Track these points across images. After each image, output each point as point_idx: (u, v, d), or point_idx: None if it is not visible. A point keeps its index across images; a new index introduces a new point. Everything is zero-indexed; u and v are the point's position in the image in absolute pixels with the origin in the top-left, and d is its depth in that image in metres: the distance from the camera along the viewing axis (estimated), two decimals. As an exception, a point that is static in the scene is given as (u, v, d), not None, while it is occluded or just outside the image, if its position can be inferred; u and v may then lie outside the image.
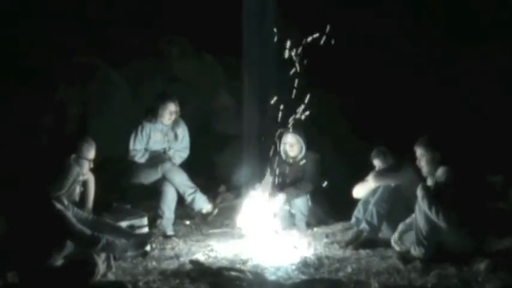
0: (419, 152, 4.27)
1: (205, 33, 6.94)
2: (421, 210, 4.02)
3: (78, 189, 3.83)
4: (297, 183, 5.34)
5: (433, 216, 3.93)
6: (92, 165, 4.45)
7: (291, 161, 5.46)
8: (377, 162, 4.91)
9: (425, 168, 4.23)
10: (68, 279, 3.55)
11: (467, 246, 3.97)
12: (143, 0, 7.14)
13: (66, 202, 3.77)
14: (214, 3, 6.81)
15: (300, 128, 5.42)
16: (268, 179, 5.10)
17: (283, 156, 5.47)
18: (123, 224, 4.37)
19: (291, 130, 5.38)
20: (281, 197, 5.21)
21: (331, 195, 5.46)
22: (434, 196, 3.99)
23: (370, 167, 4.94)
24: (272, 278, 3.87)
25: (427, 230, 3.99)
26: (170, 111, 5.40)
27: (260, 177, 5.25)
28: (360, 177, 4.92)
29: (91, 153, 4.44)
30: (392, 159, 4.86)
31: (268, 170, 5.13)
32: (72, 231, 3.62)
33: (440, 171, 4.10)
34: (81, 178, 3.88)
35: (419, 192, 4.05)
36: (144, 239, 4.16)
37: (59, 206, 3.63)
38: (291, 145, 5.40)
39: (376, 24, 6.77)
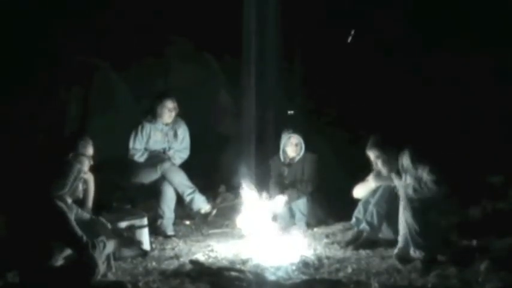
0: (373, 154, 4.20)
1: (205, 33, 6.94)
2: (408, 210, 4.01)
3: (80, 186, 3.84)
4: (296, 184, 5.35)
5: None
6: (91, 162, 4.45)
7: (287, 161, 5.47)
8: (379, 163, 4.87)
9: (384, 168, 4.17)
10: (68, 279, 3.54)
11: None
12: (143, 0, 7.14)
13: (69, 201, 3.77)
14: (214, 3, 6.81)
15: (299, 128, 5.44)
16: (251, 178, 5.08)
17: (282, 157, 5.48)
18: (123, 224, 4.37)
19: (292, 131, 5.40)
20: (283, 199, 5.23)
21: (331, 195, 5.47)
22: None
23: (371, 167, 4.93)
24: (272, 278, 3.87)
25: (420, 226, 3.98)
26: (169, 108, 5.41)
27: (258, 178, 5.26)
28: (360, 178, 4.91)
29: (88, 150, 4.45)
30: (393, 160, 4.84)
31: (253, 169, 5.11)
32: (70, 233, 3.61)
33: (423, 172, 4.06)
34: (82, 175, 3.88)
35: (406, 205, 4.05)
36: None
37: (61, 205, 3.63)
38: (296, 145, 5.40)
39: (373, 26, 6.79)
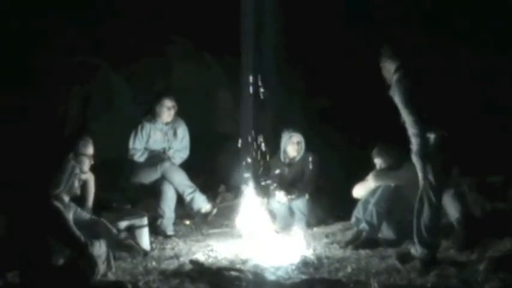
0: (385, 58, 4.16)
1: (205, 33, 6.94)
2: (425, 200, 3.92)
3: (77, 183, 3.83)
4: (296, 183, 5.35)
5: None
6: (92, 162, 4.45)
7: (287, 161, 5.48)
8: (378, 161, 4.88)
9: (388, 76, 4.12)
10: (68, 279, 3.55)
11: None
12: (143, 0, 7.14)
13: (66, 200, 3.77)
14: (214, 3, 6.81)
15: (299, 128, 5.46)
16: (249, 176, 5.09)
17: (282, 156, 5.49)
18: (123, 223, 4.37)
19: (293, 130, 5.42)
20: (283, 198, 5.24)
21: (331, 195, 5.47)
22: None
23: (371, 167, 4.94)
24: (272, 277, 3.88)
25: (434, 222, 3.91)
26: (167, 107, 5.43)
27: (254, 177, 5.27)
28: (360, 177, 4.92)
29: (89, 149, 4.46)
30: (394, 158, 4.84)
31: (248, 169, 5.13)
32: (67, 232, 3.61)
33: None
34: (77, 171, 3.87)
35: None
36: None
37: (58, 205, 3.63)
38: (297, 143, 5.41)
39: (374, 25, 6.77)
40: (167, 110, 5.43)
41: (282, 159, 5.49)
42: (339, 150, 6.31)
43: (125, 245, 4.22)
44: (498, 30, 6.45)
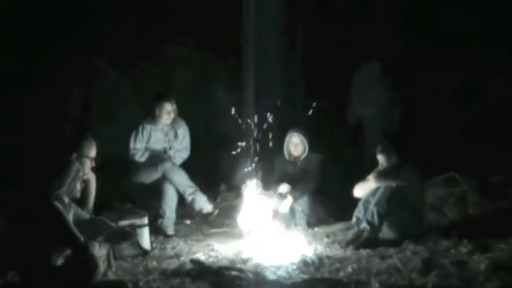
0: None
1: (205, 33, 6.95)
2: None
3: (78, 185, 3.83)
4: (299, 183, 5.36)
5: None
6: (93, 164, 4.45)
7: (292, 159, 5.49)
8: (381, 158, 4.84)
9: None
10: (68, 279, 3.54)
11: None
12: (143, 0, 7.14)
13: (67, 200, 3.77)
14: (214, 3, 6.81)
15: (303, 128, 5.47)
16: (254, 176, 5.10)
17: (287, 156, 5.51)
18: (124, 223, 4.36)
19: (295, 130, 5.43)
20: (289, 199, 5.25)
21: (332, 194, 5.47)
22: None
23: (371, 167, 4.93)
24: (272, 277, 3.87)
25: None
26: (167, 111, 5.44)
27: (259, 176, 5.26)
28: (361, 177, 4.91)
29: (92, 152, 4.45)
30: (396, 158, 4.80)
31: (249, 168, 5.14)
32: (67, 233, 3.61)
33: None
34: (81, 174, 3.87)
35: None
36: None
37: (58, 205, 3.63)
38: (296, 145, 5.44)
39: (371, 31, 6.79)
40: (167, 114, 5.45)
41: (287, 157, 5.52)
42: (340, 149, 6.32)
43: (125, 237, 4.18)
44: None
